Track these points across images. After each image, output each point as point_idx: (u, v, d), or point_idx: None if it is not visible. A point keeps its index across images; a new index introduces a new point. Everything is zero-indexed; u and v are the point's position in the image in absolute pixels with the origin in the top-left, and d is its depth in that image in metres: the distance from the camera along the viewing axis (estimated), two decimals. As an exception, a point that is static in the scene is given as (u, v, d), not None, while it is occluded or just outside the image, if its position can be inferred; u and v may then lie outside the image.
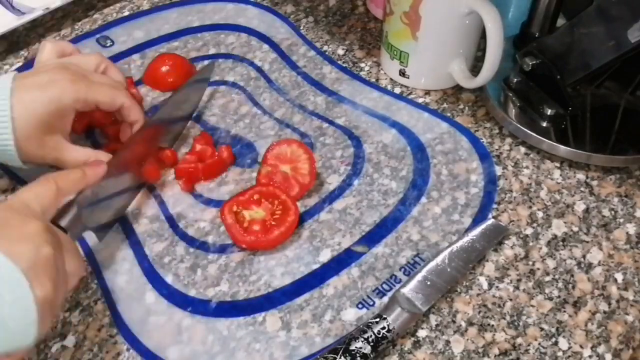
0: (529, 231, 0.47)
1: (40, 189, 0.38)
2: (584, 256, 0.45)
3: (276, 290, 0.44)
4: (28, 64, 0.62)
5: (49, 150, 0.46)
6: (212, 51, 0.64)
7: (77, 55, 0.51)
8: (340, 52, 0.63)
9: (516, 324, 0.42)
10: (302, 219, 0.48)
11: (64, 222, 0.40)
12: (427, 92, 0.59)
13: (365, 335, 0.38)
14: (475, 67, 0.58)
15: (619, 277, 0.44)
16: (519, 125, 0.52)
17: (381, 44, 0.60)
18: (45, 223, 0.35)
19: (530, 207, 0.48)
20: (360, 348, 0.38)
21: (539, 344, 0.41)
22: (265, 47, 0.64)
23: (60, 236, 0.36)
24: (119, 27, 0.67)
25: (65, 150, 0.46)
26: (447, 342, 0.41)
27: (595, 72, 0.50)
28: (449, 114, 0.56)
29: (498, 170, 0.51)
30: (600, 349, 0.40)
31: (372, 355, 0.38)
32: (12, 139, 0.43)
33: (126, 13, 0.69)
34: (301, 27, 0.67)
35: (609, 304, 0.43)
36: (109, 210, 0.46)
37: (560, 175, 0.51)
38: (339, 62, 0.62)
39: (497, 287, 0.44)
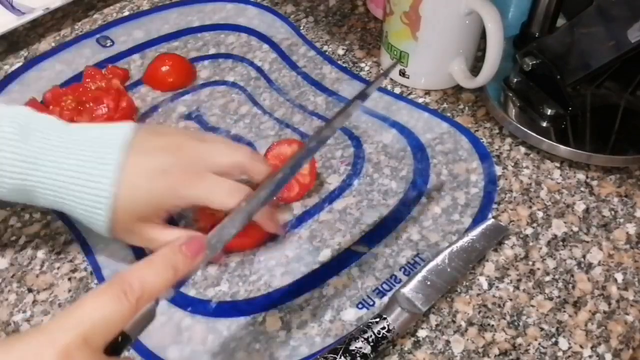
0: (529, 231, 0.47)
1: (111, 308, 0.27)
2: (584, 256, 0.45)
3: (276, 290, 0.44)
4: (28, 64, 0.62)
5: (137, 238, 0.41)
6: (212, 51, 0.64)
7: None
8: (340, 52, 0.63)
9: (516, 324, 0.42)
10: (302, 219, 0.48)
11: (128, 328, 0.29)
12: (427, 92, 0.59)
13: (365, 335, 0.38)
14: (475, 67, 0.58)
15: (619, 277, 0.44)
16: (519, 125, 0.52)
17: (381, 44, 0.60)
18: None
19: (530, 207, 0.48)
20: (360, 348, 0.38)
21: (539, 344, 0.41)
22: (265, 47, 0.64)
23: None
24: (119, 27, 0.67)
25: (155, 236, 0.40)
26: (447, 342, 0.41)
27: (595, 72, 0.50)
28: (449, 114, 0.56)
29: (498, 170, 0.51)
30: (600, 349, 0.40)
31: (372, 355, 0.38)
32: (107, 216, 0.38)
33: (126, 13, 0.69)
34: (301, 27, 0.67)
35: (609, 304, 0.43)
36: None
37: (560, 175, 0.51)
38: (339, 62, 0.62)
39: (497, 287, 0.44)
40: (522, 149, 0.53)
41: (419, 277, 0.42)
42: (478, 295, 0.43)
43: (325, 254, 0.46)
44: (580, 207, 0.48)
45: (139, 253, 0.46)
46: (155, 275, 0.29)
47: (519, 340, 0.41)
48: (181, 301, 0.43)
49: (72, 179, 0.37)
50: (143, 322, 0.29)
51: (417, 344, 0.41)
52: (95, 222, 0.39)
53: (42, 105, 0.56)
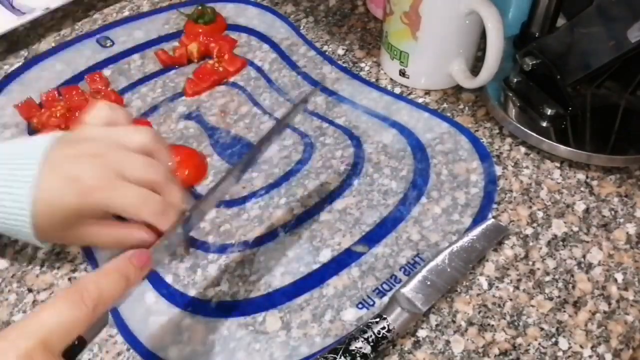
0: (529, 231, 0.47)
1: (64, 310, 0.28)
2: (584, 256, 0.45)
3: (276, 290, 0.44)
4: (28, 64, 0.62)
5: (72, 240, 0.41)
6: (212, 51, 0.64)
7: (125, 129, 0.40)
8: (340, 52, 0.63)
9: (516, 324, 0.42)
10: (302, 219, 0.48)
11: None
12: (427, 92, 0.59)
13: (365, 335, 0.38)
14: (475, 67, 0.58)
15: (619, 277, 0.44)
16: (519, 125, 0.52)
17: (381, 44, 0.60)
18: None
19: (530, 207, 0.48)
20: (360, 348, 0.38)
21: (539, 344, 0.41)
22: (265, 47, 0.64)
23: None
24: (119, 27, 0.67)
25: (91, 237, 0.39)
26: (447, 342, 0.41)
27: (595, 72, 0.50)
28: (449, 114, 0.56)
29: (498, 170, 0.51)
30: (600, 349, 0.40)
31: (372, 355, 0.38)
32: (30, 225, 0.37)
33: (126, 13, 0.69)
34: (301, 27, 0.67)
35: (609, 304, 0.43)
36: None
37: (560, 175, 0.51)
38: (339, 62, 0.62)
39: (497, 287, 0.44)
40: (522, 149, 0.53)
41: (419, 277, 0.42)
42: (478, 295, 0.43)
43: (325, 254, 0.46)
44: (580, 207, 0.48)
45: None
46: (110, 283, 0.31)
47: (519, 340, 0.41)
48: (181, 301, 0.43)
49: None
50: (97, 327, 0.30)
51: (417, 344, 0.41)
52: (22, 232, 0.38)
53: (37, 106, 0.56)
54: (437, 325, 0.42)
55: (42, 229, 0.38)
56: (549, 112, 0.53)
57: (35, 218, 0.37)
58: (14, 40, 0.65)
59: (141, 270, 0.33)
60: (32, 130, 0.55)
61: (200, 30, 0.64)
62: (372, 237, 0.47)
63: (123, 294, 0.32)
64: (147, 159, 0.38)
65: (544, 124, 0.53)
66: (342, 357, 0.38)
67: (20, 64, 0.62)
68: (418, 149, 0.53)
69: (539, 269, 0.45)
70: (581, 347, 0.40)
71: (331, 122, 0.56)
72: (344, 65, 0.62)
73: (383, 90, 0.59)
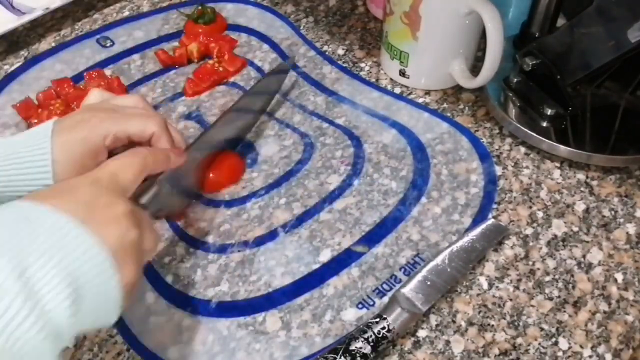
0: (529, 231, 0.47)
1: (129, 160, 0.37)
2: (584, 256, 0.45)
3: (276, 290, 0.44)
4: (28, 64, 0.62)
5: None
6: (212, 51, 0.64)
7: (117, 98, 0.48)
8: (340, 52, 0.63)
9: (516, 324, 0.42)
10: (302, 219, 0.48)
11: (144, 200, 0.40)
12: (427, 92, 0.59)
13: (365, 335, 0.38)
14: (475, 67, 0.58)
15: (619, 277, 0.44)
16: (519, 125, 0.52)
17: (381, 44, 0.60)
18: (130, 204, 0.34)
19: (530, 207, 0.48)
20: (360, 348, 0.38)
21: (539, 344, 0.41)
22: (265, 47, 0.64)
23: (141, 214, 0.35)
24: (119, 28, 0.67)
25: None
26: (447, 342, 0.41)
27: (595, 72, 0.50)
28: (449, 114, 0.56)
29: (498, 170, 0.51)
30: (600, 349, 0.40)
31: (372, 355, 0.38)
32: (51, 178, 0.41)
33: (126, 13, 0.69)
34: (301, 27, 0.67)
35: (609, 304, 0.43)
36: (175, 202, 0.47)
37: (560, 175, 0.51)
38: (339, 62, 0.62)
39: (497, 287, 0.44)
40: (522, 149, 0.53)
41: (419, 277, 0.42)
42: (478, 295, 0.43)
43: (325, 254, 0.46)
44: (580, 207, 0.48)
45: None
46: (155, 151, 0.40)
47: (519, 340, 0.41)
48: (181, 301, 0.43)
49: (16, 162, 0.41)
50: (155, 199, 0.40)
51: (417, 344, 0.41)
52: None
53: (36, 105, 0.56)
54: (437, 325, 0.42)
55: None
56: (549, 112, 0.53)
57: (55, 178, 0.40)
58: (14, 40, 0.65)
59: (178, 157, 0.42)
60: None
61: (200, 30, 0.64)
62: (372, 237, 0.47)
63: (166, 164, 0.41)
64: (141, 110, 0.45)
65: (544, 124, 0.53)
66: (342, 357, 0.38)
67: (20, 64, 0.62)
68: (418, 149, 0.53)
69: (539, 269, 0.45)
70: (581, 347, 0.40)
71: (331, 122, 0.56)
72: (344, 65, 0.62)
73: (383, 90, 0.59)
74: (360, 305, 0.43)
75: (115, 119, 0.43)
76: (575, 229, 0.47)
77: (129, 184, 0.36)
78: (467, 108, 0.57)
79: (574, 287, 0.44)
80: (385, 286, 0.44)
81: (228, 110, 0.51)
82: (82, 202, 0.32)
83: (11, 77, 0.61)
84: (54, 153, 0.41)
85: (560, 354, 0.40)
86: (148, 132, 0.43)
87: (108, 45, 0.65)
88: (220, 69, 0.61)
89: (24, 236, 0.28)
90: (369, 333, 0.39)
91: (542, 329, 0.41)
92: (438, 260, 0.43)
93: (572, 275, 0.44)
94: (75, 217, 0.30)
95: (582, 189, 0.50)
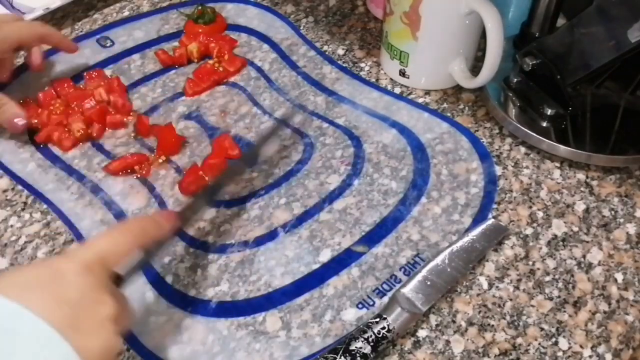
0: (529, 231, 0.47)
1: (119, 239, 0.34)
2: (584, 256, 0.45)
3: (276, 290, 0.44)
4: (28, 64, 0.62)
5: None
6: (212, 51, 0.64)
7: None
8: (340, 52, 0.63)
9: (516, 324, 0.42)
10: (302, 219, 0.48)
11: (122, 270, 0.36)
12: (427, 92, 0.59)
13: (365, 335, 0.38)
14: (475, 67, 0.58)
15: (619, 277, 0.44)
16: (519, 125, 0.52)
17: (381, 44, 0.60)
18: (115, 300, 0.32)
19: (530, 207, 0.48)
20: (360, 348, 0.38)
21: (539, 344, 0.41)
22: (265, 47, 0.64)
23: (121, 299, 0.34)
24: (119, 27, 0.67)
25: None
26: (447, 342, 0.41)
27: (595, 72, 0.50)
28: (449, 114, 0.56)
29: (498, 170, 0.51)
30: (600, 349, 0.40)
31: (372, 355, 0.38)
32: None
33: (126, 13, 0.69)
34: (301, 27, 0.67)
35: (609, 304, 0.43)
36: (156, 256, 0.43)
37: (560, 175, 0.51)
38: (339, 62, 0.62)
39: (497, 287, 0.44)
40: (522, 149, 0.53)
41: (419, 277, 0.42)
42: (478, 295, 0.43)
43: (325, 254, 0.46)
44: (580, 207, 0.48)
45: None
46: (150, 224, 0.37)
47: (519, 340, 0.41)
48: (181, 301, 0.43)
49: None
50: (134, 268, 0.36)
51: (417, 344, 0.41)
52: None
53: (36, 106, 0.56)
54: (437, 325, 0.42)
55: None
56: (549, 112, 0.53)
57: None
58: (14, 40, 0.65)
59: (168, 222, 0.38)
60: (32, 131, 0.55)
61: (200, 30, 0.64)
62: (372, 237, 0.47)
63: (159, 237, 0.37)
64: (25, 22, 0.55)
65: (544, 124, 0.53)
66: (342, 357, 0.38)
67: (20, 64, 0.62)
68: (418, 149, 0.53)
69: (539, 269, 0.45)
70: (581, 347, 0.40)
71: (331, 122, 0.56)
72: (344, 65, 0.62)
73: (383, 90, 0.59)
74: (360, 305, 0.43)
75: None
76: (575, 229, 0.47)
77: (116, 267, 0.34)
78: (467, 108, 0.57)
79: (574, 287, 0.44)
80: (385, 286, 0.44)
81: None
82: (68, 302, 0.29)
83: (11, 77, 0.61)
84: None
85: (560, 354, 0.40)
86: (37, 31, 0.54)
87: (108, 45, 0.65)
88: (220, 68, 0.61)
89: None
90: (369, 333, 0.39)
91: (542, 329, 0.41)
92: (438, 260, 0.43)
93: (572, 275, 0.44)
94: (59, 327, 0.28)
95: (582, 189, 0.50)
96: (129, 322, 0.35)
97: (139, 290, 0.44)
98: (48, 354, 0.27)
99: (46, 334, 0.27)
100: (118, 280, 0.35)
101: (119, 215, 0.49)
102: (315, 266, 0.45)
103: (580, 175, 0.51)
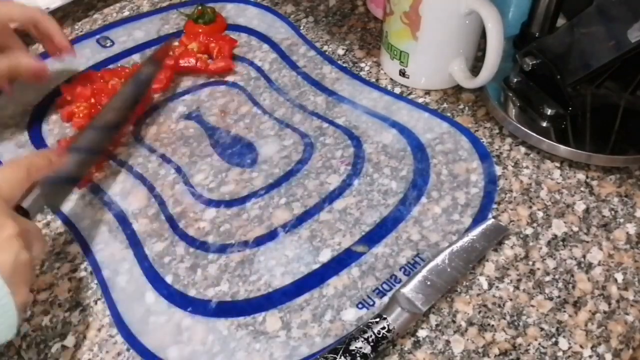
0: (529, 231, 0.47)
1: (10, 173, 0.38)
2: (584, 256, 0.45)
3: (276, 290, 0.44)
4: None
5: None
6: (212, 51, 0.64)
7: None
8: (340, 52, 0.63)
9: (516, 324, 0.42)
10: (302, 219, 0.48)
11: (26, 204, 0.40)
12: (427, 92, 0.59)
13: (365, 335, 0.38)
14: (475, 67, 0.58)
15: (619, 277, 0.44)
16: (519, 125, 0.52)
17: (381, 44, 0.60)
18: (17, 221, 0.35)
19: (530, 207, 0.48)
20: (360, 348, 0.38)
21: (539, 344, 0.41)
22: (265, 47, 0.64)
23: (25, 224, 0.36)
24: (119, 28, 0.67)
25: None
26: (447, 342, 0.41)
27: (595, 72, 0.50)
28: (449, 114, 0.56)
29: (498, 170, 0.51)
30: (600, 349, 0.40)
31: (372, 355, 0.38)
32: None
33: (126, 13, 0.69)
34: (301, 27, 0.67)
35: (609, 304, 0.43)
36: (67, 186, 0.47)
37: (560, 175, 0.51)
38: (339, 62, 0.62)
39: (497, 287, 0.44)
40: (522, 149, 0.53)
41: (419, 277, 0.42)
42: (478, 295, 0.43)
43: (325, 254, 0.46)
44: (580, 207, 0.48)
45: (140, 256, 0.46)
46: (35, 158, 0.41)
47: (519, 340, 0.41)
48: (181, 301, 0.43)
49: None
50: (34, 204, 0.41)
51: (417, 344, 0.41)
52: None
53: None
54: (437, 325, 0.42)
55: None
56: (549, 112, 0.53)
57: None
58: (14, 40, 0.65)
59: (58, 156, 0.43)
60: (32, 132, 0.55)
61: (200, 30, 0.64)
62: (372, 237, 0.47)
63: (47, 169, 0.41)
64: (21, 5, 0.52)
65: (544, 124, 0.53)
66: (342, 357, 0.38)
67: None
68: (418, 149, 0.53)
69: (539, 269, 0.45)
70: (581, 347, 0.40)
71: (331, 122, 0.56)
72: (344, 65, 0.62)
73: (383, 90, 0.59)
74: (360, 305, 0.43)
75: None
76: (575, 229, 0.47)
77: (14, 198, 0.37)
78: (467, 108, 0.57)
79: (574, 287, 0.44)
80: (385, 286, 0.44)
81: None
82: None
83: (11, 77, 0.61)
84: None
85: (560, 354, 0.40)
86: (29, 14, 0.51)
87: (108, 45, 0.65)
88: (210, 61, 0.61)
89: None
90: (369, 333, 0.39)
91: (542, 329, 0.41)
92: (438, 260, 0.43)
93: (572, 275, 0.44)
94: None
95: (582, 189, 0.50)
96: (40, 247, 0.37)
97: (139, 290, 0.44)
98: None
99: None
100: (25, 215, 0.40)
101: (119, 215, 0.49)
102: (315, 266, 0.45)
103: (580, 175, 0.51)
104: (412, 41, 0.55)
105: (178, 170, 0.52)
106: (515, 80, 0.56)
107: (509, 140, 0.54)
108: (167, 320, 0.42)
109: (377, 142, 0.54)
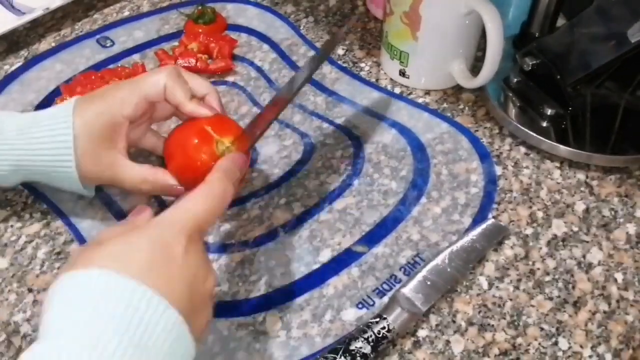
0: (529, 231, 0.47)
1: (212, 206, 0.34)
2: (584, 256, 0.45)
3: (276, 290, 0.44)
4: (28, 64, 0.62)
5: (104, 168, 0.43)
6: (212, 51, 0.64)
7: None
8: (340, 52, 0.63)
9: (516, 324, 0.42)
10: (302, 219, 0.48)
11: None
12: (427, 92, 0.59)
13: (365, 335, 0.38)
14: (475, 67, 0.58)
15: (619, 277, 0.44)
16: (519, 125, 0.52)
17: (381, 44, 0.60)
18: (214, 274, 0.33)
19: (530, 207, 0.48)
20: (360, 348, 0.38)
21: (539, 344, 0.41)
22: (265, 47, 0.64)
23: (210, 264, 0.34)
24: (119, 28, 0.67)
25: (121, 168, 0.43)
26: (447, 342, 0.41)
27: (595, 72, 0.50)
28: (449, 114, 0.56)
29: (498, 170, 0.51)
30: (600, 349, 0.40)
31: (372, 355, 0.38)
32: (74, 159, 0.42)
33: (126, 13, 0.69)
34: (301, 27, 0.67)
35: (609, 304, 0.43)
36: None
37: (560, 175, 0.51)
38: (339, 62, 0.62)
39: (497, 287, 0.44)
40: (522, 149, 0.53)
41: (419, 277, 0.42)
42: (478, 295, 0.43)
43: (325, 254, 0.46)
44: (580, 207, 0.48)
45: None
46: (230, 188, 0.36)
47: (519, 340, 0.41)
48: (181, 301, 0.43)
49: (38, 134, 0.42)
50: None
51: (417, 344, 0.41)
52: (67, 174, 0.43)
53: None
54: (437, 325, 0.42)
55: (80, 161, 0.42)
56: (549, 112, 0.53)
57: (77, 151, 0.41)
58: (14, 40, 0.65)
59: (242, 169, 0.39)
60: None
61: (200, 30, 0.64)
62: (372, 237, 0.47)
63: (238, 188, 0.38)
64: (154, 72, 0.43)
65: (544, 124, 0.53)
66: (342, 357, 0.38)
67: (20, 64, 0.62)
68: (418, 149, 0.53)
69: (539, 269, 0.45)
70: (581, 347, 0.40)
71: (331, 122, 0.56)
72: (344, 65, 0.62)
73: (383, 90, 0.59)
74: (360, 305, 0.43)
75: (130, 86, 0.42)
76: (575, 229, 0.47)
77: (209, 229, 0.36)
78: (467, 108, 0.57)
79: (574, 287, 0.44)
80: (385, 286, 0.44)
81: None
82: (187, 284, 0.30)
83: (11, 77, 0.61)
84: (75, 128, 0.41)
85: (560, 354, 0.40)
86: (160, 86, 0.42)
87: (108, 45, 0.65)
88: (210, 61, 0.61)
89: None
90: (369, 333, 0.39)
91: (542, 329, 0.41)
92: (438, 260, 0.43)
93: (572, 275, 0.44)
94: (179, 310, 0.28)
95: (582, 189, 0.50)
96: (213, 282, 0.34)
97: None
98: (176, 347, 0.28)
99: (177, 326, 0.28)
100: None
101: (119, 215, 0.49)
102: (315, 266, 0.45)
103: (580, 175, 0.51)
104: (412, 41, 0.55)
105: (178, 170, 0.52)
106: (515, 80, 0.56)
107: (509, 140, 0.54)
108: (167, 320, 0.42)
109: (377, 142, 0.54)
